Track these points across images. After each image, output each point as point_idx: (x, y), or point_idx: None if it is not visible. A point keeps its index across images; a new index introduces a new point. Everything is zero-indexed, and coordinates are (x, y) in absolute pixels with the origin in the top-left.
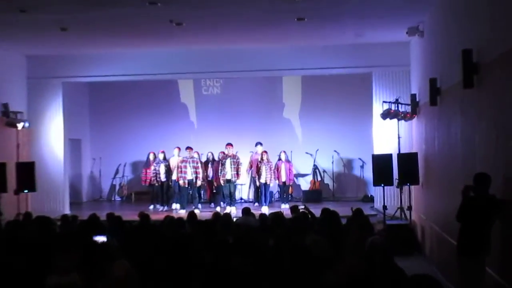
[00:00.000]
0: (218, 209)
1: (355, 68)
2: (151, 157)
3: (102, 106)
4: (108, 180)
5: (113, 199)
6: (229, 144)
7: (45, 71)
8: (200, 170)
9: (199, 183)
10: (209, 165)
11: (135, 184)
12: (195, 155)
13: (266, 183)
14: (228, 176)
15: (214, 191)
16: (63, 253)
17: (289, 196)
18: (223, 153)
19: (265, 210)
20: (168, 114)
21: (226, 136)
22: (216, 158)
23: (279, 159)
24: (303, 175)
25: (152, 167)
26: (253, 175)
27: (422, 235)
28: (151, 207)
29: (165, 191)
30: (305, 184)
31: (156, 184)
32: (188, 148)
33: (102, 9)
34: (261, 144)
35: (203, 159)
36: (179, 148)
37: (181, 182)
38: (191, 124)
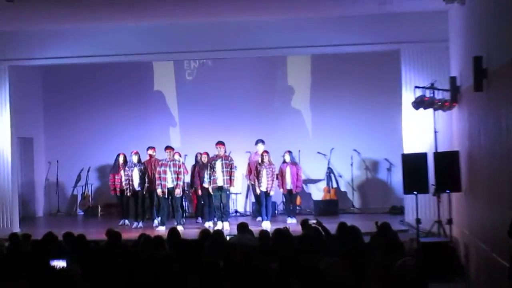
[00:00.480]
0: (206, 225)
1: (379, 45)
2: (121, 159)
3: (59, 97)
4: (68, 189)
5: (74, 213)
6: (220, 143)
7: None
8: (182, 176)
9: (178, 191)
10: (205, 171)
11: (102, 194)
12: (177, 157)
13: (267, 191)
14: (219, 182)
15: (202, 202)
16: (11, 280)
17: (297, 208)
18: (206, 153)
19: (267, 225)
20: (142, 106)
21: (216, 132)
22: (202, 161)
23: (284, 162)
24: (315, 181)
25: (123, 173)
26: (251, 182)
27: (466, 255)
28: (122, 222)
29: (139, 203)
30: (317, 192)
31: (128, 194)
32: (168, 148)
33: None
34: (262, 142)
35: (189, 161)
36: (154, 149)
37: (159, 191)
38: (171, 118)
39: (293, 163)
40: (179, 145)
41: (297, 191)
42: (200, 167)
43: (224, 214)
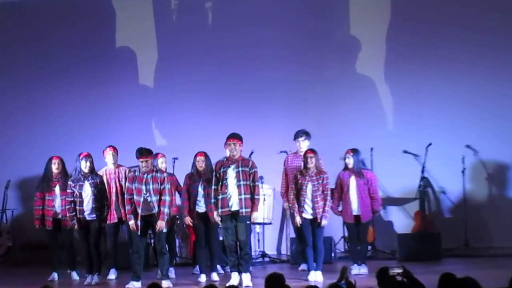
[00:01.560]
0: (203, 279)
1: None
2: (54, 168)
3: None
4: None
5: None
6: (234, 137)
7: None
8: (168, 198)
9: (160, 224)
10: (199, 185)
11: (25, 227)
12: (161, 163)
13: (316, 220)
14: (234, 206)
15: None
16: None
17: (368, 248)
18: (203, 154)
19: (317, 279)
20: (95, 74)
21: (226, 120)
22: (196, 168)
23: (345, 168)
24: (399, 202)
25: (58, 190)
26: (288, 204)
27: None
28: (51, 278)
29: (93, 242)
30: (403, 220)
31: (75, 227)
32: (144, 155)
33: None
34: (306, 135)
35: (181, 170)
36: (115, 149)
37: (130, 223)
38: (147, 95)
39: (361, 171)
40: (163, 142)
41: (367, 219)
42: (192, 179)
43: (242, 260)
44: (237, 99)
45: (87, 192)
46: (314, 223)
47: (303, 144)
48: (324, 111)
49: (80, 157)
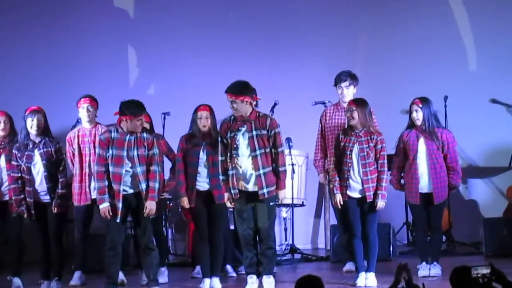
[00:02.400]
0: (207, 284)
1: None
2: None
3: None
4: None
5: None
6: (229, 92)
7: None
8: (157, 169)
9: (150, 206)
10: (201, 151)
11: None
12: (145, 123)
13: (366, 200)
14: (250, 183)
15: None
16: None
17: (442, 239)
18: (207, 108)
19: (368, 282)
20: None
21: (236, 61)
22: (199, 127)
23: (411, 126)
24: (487, 173)
25: (4, 162)
26: (329, 177)
27: None
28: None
29: (53, 234)
30: (490, 198)
31: (24, 215)
32: (134, 109)
33: None
34: (352, 78)
35: (175, 131)
36: (94, 100)
37: (102, 207)
38: (125, 19)
39: (434, 130)
40: (150, 90)
41: (443, 199)
42: (190, 143)
43: (263, 257)
44: (255, 29)
45: (38, 166)
46: (364, 205)
47: (347, 92)
48: (377, 49)
49: (26, 113)
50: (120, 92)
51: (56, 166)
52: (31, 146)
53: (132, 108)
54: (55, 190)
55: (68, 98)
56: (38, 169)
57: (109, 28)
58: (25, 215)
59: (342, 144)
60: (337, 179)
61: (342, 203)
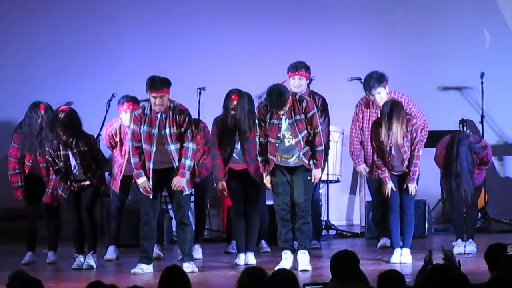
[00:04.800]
0: (242, 260)
1: None
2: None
3: None
4: None
5: None
6: (294, 71)
7: None
8: (193, 147)
9: (182, 182)
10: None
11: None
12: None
13: (403, 180)
14: (292, 159)
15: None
16: None
17: (478, 216)
18: (236, 96)
19: (403, 259)
20: None
21: (273, 35)
22: (231, 111)
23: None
24: None
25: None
26: (363, 168)
27: None
28: (28, 260)
29: (85, 209)
30: None
31: (62, 194)
32: (158, 86)
33: None
34: (380, 81)
35: (208, 108)
36: (136, 105)
37: (140, 181)
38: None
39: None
40: (184, 64)
41: (477, 179)
42: (223, 127)
43: (299, 232)
44: (290, 8)
45: (73, 163)
46: (403, 182)
47: (380, 96)
48: (415, 26)
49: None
50: (148, 69)
51: (90, 159)
52: (62, 146)
53: (155, 83)
54: (91, 174)
55: (101, 79)
56: (74, 166)
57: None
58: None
59: (380, 138)
60: (384, 168)
61: (394, 190)
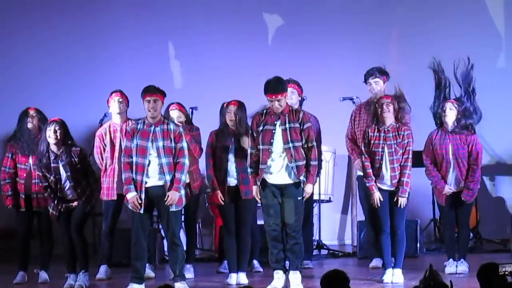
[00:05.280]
0: (233, 280)
1: None
2: (30, 125)
3: None
4: None
5: None
6: (275, 93)
7: None
8: (185, 162)
9: (173, 197)
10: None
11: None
12: (177, 117)
13: (393, 196)
14: (280, 176)
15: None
16: None
17: (470, 236)
18: (235, 103)
19: (395, 279)
20: None
21: (263, 56)
22: (226, 121)
23: (440, 126)
24: None
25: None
26: (360, 162)
27: None
28: (20, 279)
29: (74, 229)
30: None
31: (53, 212)
32: (150, 92)
33: None
34: (381, 73)
35: (206, 125)
36: (124, 95)
37: (130, 196)
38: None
39: (463, 128)
40: (178, 85)
41: (469, 197)
42: (220, 137)
43: (290, 252)
44: (284, 25)
45: (63, 177)
46: (393, 200)
47: (376, 87)
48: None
49: (45, 124)
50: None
51: (81, 173)
52: (53, 157)
53: (150, 88)
54: (83, 192)
55: (93, 95)
56: (64, 180)
57: (134, 23)
58: (53, 211)
59: (371, 142)
60: (371, 176)
61: (381, 199)
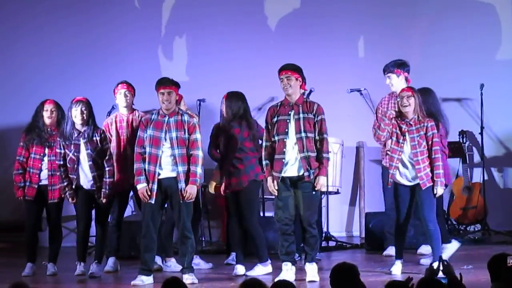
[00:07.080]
0: (241, 271)
1: None
2: (47, 115)
3: None
4: None
5: None
6: (287, 69)
7: None
8: (198, 153)
9: (189, 190)
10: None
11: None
12: (182, 106)
13: (418, 187)
14: (292, 170)
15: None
16: None
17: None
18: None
19: (395, 271)
20: None
21: (271, 49)
22: (226, 114)
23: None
24: None
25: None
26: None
27: None
28: (28, 272)
29: (100, 222)
30: None
31: (70, 200)
32: (164, 85)
33: None
34: (402, 66)
35: (211, 118)
36: (131, 86)
37: (140, 187)
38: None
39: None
40: (185, 77)
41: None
42: (220, 131)
43: (306, 245)
44: (290, 15)
45: (83, 155)
46: (420, 192)
47: (398, 82)
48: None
49: (71, 103)
50: (149, 81)
51: (101, 155)
52: (76, 135)
53: (164, 80)
54: (100, 179)
55: (102, 87)
56: (84, 158)
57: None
58: (71, 200)
59: (393, 134)
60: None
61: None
